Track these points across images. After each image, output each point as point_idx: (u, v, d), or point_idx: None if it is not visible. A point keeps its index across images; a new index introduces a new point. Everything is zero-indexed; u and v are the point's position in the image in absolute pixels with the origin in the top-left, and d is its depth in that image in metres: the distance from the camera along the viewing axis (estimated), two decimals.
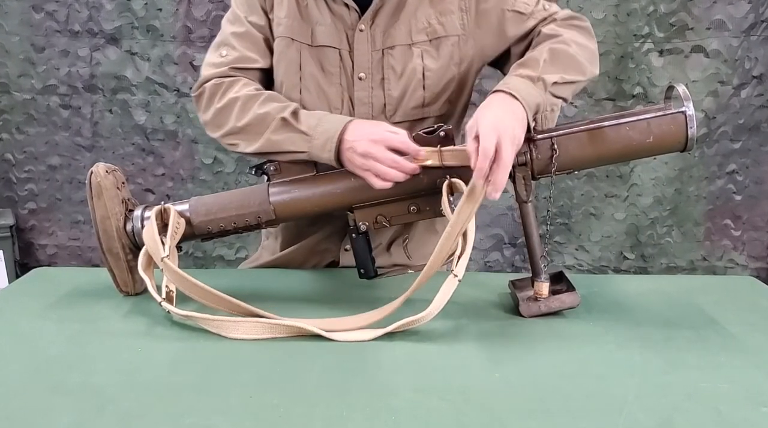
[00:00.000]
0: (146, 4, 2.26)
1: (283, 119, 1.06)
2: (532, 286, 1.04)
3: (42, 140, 2.39)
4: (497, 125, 0.92)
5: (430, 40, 1.11)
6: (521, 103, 0.96)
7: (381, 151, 0.99)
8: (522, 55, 1.12)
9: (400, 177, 1.00)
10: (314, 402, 0.76)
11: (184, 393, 0.79)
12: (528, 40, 1.13)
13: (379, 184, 1.00)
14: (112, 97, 2.35)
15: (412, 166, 0.99)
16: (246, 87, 1.12)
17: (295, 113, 1.07)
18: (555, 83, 1.03)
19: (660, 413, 0.74)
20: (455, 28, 1.11)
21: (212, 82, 1.14)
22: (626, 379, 0.82)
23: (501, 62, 1.19)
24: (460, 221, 0.94)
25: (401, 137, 1.00)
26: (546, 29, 1.10)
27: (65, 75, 2.33)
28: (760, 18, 2.21)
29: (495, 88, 1.00)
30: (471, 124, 0.95)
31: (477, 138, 0.92)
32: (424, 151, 1.00)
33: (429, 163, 1.00)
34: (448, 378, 0.82)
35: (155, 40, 2.30)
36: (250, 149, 1.09)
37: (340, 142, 1.01)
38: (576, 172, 1.08)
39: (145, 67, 2.32)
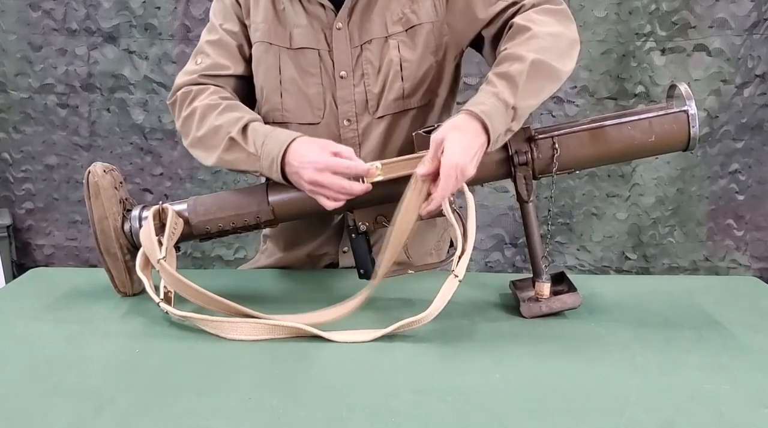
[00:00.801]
0: (144, 2, 2.26)
1: (231, 139, 1.04)
2: (533, 287, 1.03)
3: (39, 139, 2.38)
4: (463, 168, 0.92)
5: (406, 30, 1.10)
6: (488, 136, 0.93)
7: (328, 178, 0.97)
8: (494, 39, 1.10)
9: (352, 197, 0.99)
10: (314, 404, 0.76)
11: (183, 394, 0.78)
12: (499, 23, 1.09)
13: (330, 205, 0.99)
14: (110, 96, 2.34)
15: (363, 187, 0.98)
16: (210, 96, 1.10)
17: (244, 130, 1.04)
18: (527, 110, 0.98)
19: (662, 414, 0.73)
20: (429, 14, 1.10)
21: (182, 90, 1.13)
22: (628, 380, 0.81)
23: (478, 47, 1.16)
24: (407, 222, 0.96)
25: (346, 162, 0.98)
26: (518, 20, 1.05)
27: (62, 74, 2.32)
28: (762, 16, 2.20)
29: (468, 106, 0.95)
30: (437, 138, 0.93)
31: (438, 158, 0.92)
32: (374, 167, 0.98)
33: (380, 178, 0.99)
34: (448, 378, 0.82)
35: (153, 39, 2.29)
36: (209, 162, 1.08)
37: (283, 165, 1.00)
38: (577, 172, 1.07)
39: (143, 65, 2.31)
